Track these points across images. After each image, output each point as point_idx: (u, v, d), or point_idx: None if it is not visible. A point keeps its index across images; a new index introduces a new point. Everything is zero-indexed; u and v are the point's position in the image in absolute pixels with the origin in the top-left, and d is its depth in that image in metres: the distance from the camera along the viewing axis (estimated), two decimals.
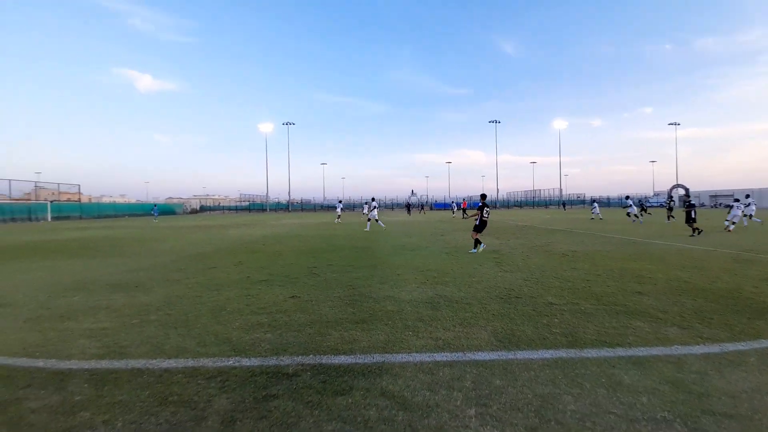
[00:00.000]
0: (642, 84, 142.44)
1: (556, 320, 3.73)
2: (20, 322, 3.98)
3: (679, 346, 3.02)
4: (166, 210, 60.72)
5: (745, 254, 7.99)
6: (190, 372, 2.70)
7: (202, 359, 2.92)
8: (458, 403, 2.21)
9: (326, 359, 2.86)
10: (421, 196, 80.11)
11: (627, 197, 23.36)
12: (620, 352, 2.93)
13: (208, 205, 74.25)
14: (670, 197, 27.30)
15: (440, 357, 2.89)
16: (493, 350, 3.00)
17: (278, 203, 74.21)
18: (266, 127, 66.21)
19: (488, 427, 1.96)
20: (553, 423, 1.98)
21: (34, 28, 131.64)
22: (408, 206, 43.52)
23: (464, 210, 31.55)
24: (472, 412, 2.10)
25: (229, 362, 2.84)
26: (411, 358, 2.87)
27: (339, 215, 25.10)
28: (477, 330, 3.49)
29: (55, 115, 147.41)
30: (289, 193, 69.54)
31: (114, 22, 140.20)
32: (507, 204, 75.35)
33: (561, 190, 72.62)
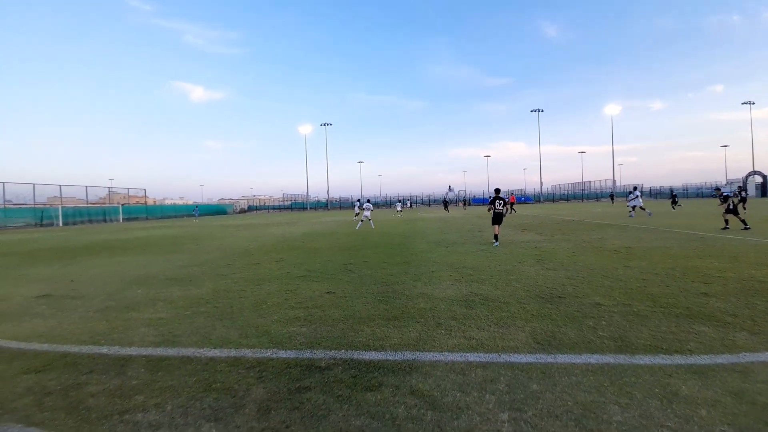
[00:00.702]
0: (708, 60, 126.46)
1: (603, 323, 3.45)
2: (91, 312, 4.52)
3: (747, 354, 2.64)
4: (219, 210, 65.56)
5: None
6: (232, 361, 2.88)
7: (243, 350, 3.10)
8: (490, 406, 2.12)
9: (357, 354, 2.91)
10: (458, 191, 78.37)
11: (634, 188, 20.71)
12: (678, 359, 2.63)
13: (254, 204, 78.85)
14: (740, 187, 24.08)
15: (473, 357, 2.80)
16: (530, 353, 2.85)
17: (318, 202, 76.82)
18: (305, 129, 68.81)
19: None
20: None
21: (103, 52, 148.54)
22: (445, 202, 42.44)
23: (512, 205, 31.08)
24: (505, 416, 2.01)
25: (267, 353, 2.99)
26: (442, 357, 2.82)
27: (361, 215, 22.63)
28: (514, 330, 3.33)
29: (122, 128, 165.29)
30: (327, 191, 71.79)
31: (170, 38, 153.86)
32: (552, 197, 71.11)
33: (614, 180, 66.90)
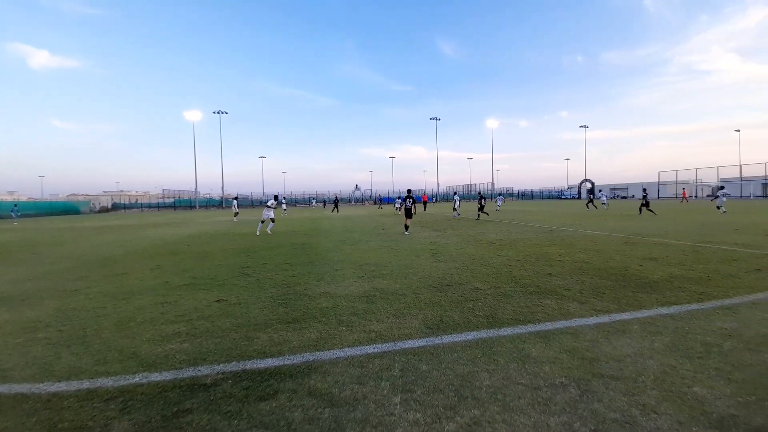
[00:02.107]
0: (559, 90, 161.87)
1: (480, 304, 4.02)
2: None
3: (577, 319, 3.47)
4: (67, 209, 51.74)
5: (633, 238, 9.52)
6: (85, 394, 2.33)
7: (100, 379, 2.54)
8: (385, 392, 2.24)
9: (251, 364, 2.69)
10: (365, 190, 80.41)
11: (455, 192, 26.40)
12: (530, 328, 3.26)
13: (121, 202, 65.20)
14: (588, 191, 34.55)
15: (371, 349, 2.91)
16: (422, 337, 3.12)
17: (210, 199, 68.15)
18: (194, 116, 59.70)
19: (411, 411, 2.02)
20: (469, 399, 2.12)
21: None
22: (335, 201, 34.90)
23: (425, 203, 34.67)
24: (398, 399, 2.15)
25: (135, 379, 2.51)
26: (342, 354, 2.84)
27: (236, 212, 22.24)
28: (409, 319, 3.60)
29: None
30: (222, 188, 64.11)
31: None
32: (447, 197, 79.40)
33: (493, 184, 78.68)
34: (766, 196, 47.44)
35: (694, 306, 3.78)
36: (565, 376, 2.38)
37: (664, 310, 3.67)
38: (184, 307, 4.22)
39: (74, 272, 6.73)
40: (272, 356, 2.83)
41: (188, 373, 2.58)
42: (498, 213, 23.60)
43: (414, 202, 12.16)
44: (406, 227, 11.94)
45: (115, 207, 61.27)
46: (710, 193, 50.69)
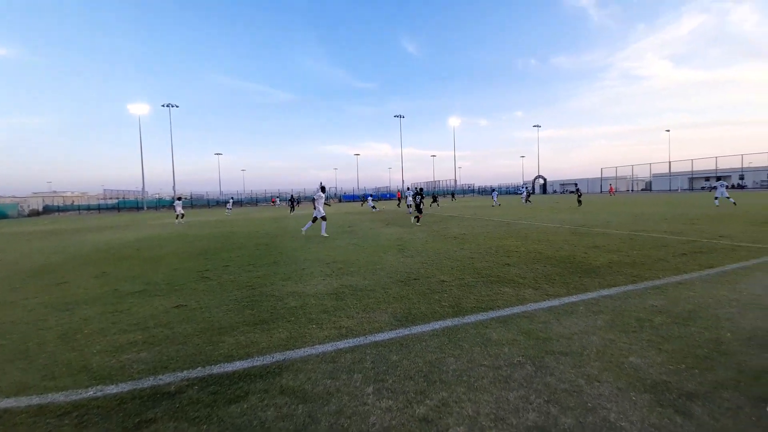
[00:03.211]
0: (514, 91, 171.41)
1: (445, 295, 4.21)
2: None
3: (532, 304, 3.77)
4: None
5: (580, 228, 10.39)
6: (36, 410, 2.14)
7: (50, 394, 2.33)
8: (358, 384, 2.30)
9: (218, 369, 2.62)
10: (329, 188, 79.37)
11: (407, 188, 26.69)
12: (491, 314, 3.49)
13: (55, 204, 58.62)
14: (526, 187, 37.38)
15: (342, 344, 2.95)
16: (392, 329, 3.22)
17: (159, 200, 63.41)
18: (139, 109, 54.89)
19: (384, 399, 2.11)
20: (438, 383, 2.25)
21: None
22: (292, 201, 32.59)
23: (399, 199, 35.40)
24: (370, 389, 2.22)
25: (89, 393, 2.34)
26: (313, 351, 2.86)
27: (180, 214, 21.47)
28: (378, 314, 3.68)
29: None
30: (173, 187, 59.63)
31: None
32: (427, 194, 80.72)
33: (456, 180, 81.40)
34: (692, 189, 53.84)
35: (630, 287, 4.26)
36: (522, 356, 2.60)
37: (605, 292, 4.09)
38: (139, 316, 3.95)
39: (6, 283, 6.00)
40: (240, 359, 2.77)
41: (148, 382, 2.45)
42: (463, 209, 24.38)
43: (422, 198, 14.04)
44: (417, 219, 13.85)
45: (48, 210, 55.03)
46: (702, 186, 54.38)
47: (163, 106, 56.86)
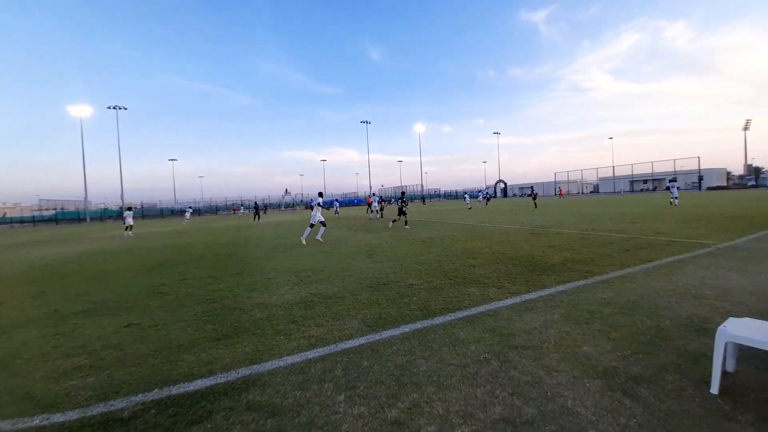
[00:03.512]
0: (476, 99, 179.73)
1: (414, 298, 4.28)
2: None
3: (496, 302, 3.94)
4: None
5: (537, 229, 11.03)
6: None
7: None
8: (329, 393, 2.27)
9: (176, 389, 2.46)
10: (295, 194, 77.63)
11: (373, 194, 28.44)
12: (459, 314, 3.60)
13: None
14: (487, 191, 40.00)
15: (312, 354, 2.89)
16: (362, 336, 3.21)
17: (105, 210, 58.28)
18: (81, 111, 50.14)
19: (355, 406, 2.10)
20: (409, 385, 2.28)
21: None
22: (256, 207, 30.13)
23: (369, 205, 34.90)
24: (342, 397, 2.20)
25: (34, 422, 2.11)
26: (282, 363, 2.77)
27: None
28: (348, 320, 3.65)
29: None
30: (122, 196, 54.82)
31: None
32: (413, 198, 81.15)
33: (422, 185, 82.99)
34: (632, 191, 59.18)
35: (582, 282, 4.60)
36: (488, 352, 2.71)
37: (560, 288, 4.38)
38: (84, 337, 3.60)
39: None
40: (202, 377, 2.62)
41: (98, 409, 2.24)
42: (430, 213, 24.90)
43: (405, 203, 14.62)
44: (406, 222, 14.43)
45: None
46: (650, 187, 59.49)
47: (109, 108, 52.50)
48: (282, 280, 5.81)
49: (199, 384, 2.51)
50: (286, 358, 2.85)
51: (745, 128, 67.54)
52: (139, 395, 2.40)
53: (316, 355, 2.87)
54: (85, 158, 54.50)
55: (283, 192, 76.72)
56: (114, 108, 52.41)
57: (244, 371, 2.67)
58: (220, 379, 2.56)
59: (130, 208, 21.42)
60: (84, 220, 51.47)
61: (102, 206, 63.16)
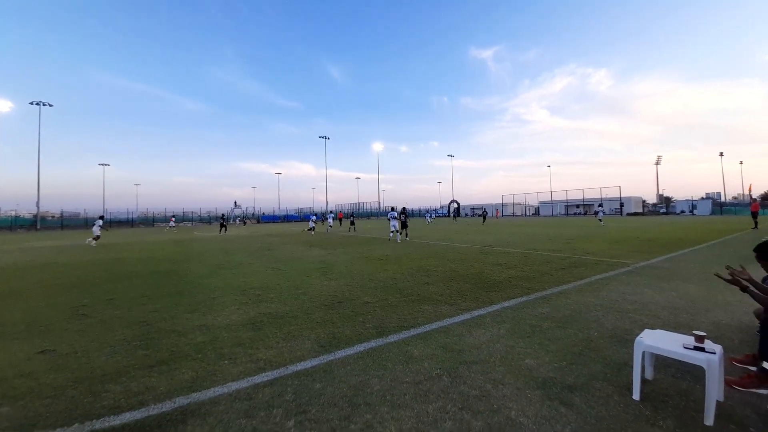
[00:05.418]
0: (431, 123, 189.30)
1: (369, 316, 4.26)
2: None
3: (448, 319, 4.08)
4: None
5: (486, 248, 11.67)
6: None
7: None
8: (278, 419, 2.16)
9: (100, 423, 2.16)
10: (246, 208, 73.86)
11: (392, 208, 30.89)
12: (413, 332, 3.66)
13: None
14: (435, 211, 43.64)
15: (260, 378, 2.73)
16: (315, 356, 3.11)
17: (16, 218, 50.35)
18: None
19: (306, 431, 2.01)
20: (362, 406, 2.25)
21: None
22: (223, 219, 31.28)
23: (340, 220, 36.52)
24: (291, 423, 2.10)
25: None
26: (225, 389, 2.58)
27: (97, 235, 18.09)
28: (301, 341, 3.52)
29: None
30: (37, 202, 47.70)
31: None
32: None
33: (379, 203, 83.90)
34: (567, 214, 65.53)
35: (524, 298, 4.94)
36: (440, 368, 2.78)
37: (506, 303, 4.67)
38: None
39: None
40: (131, 409, 2.34)
41: None
42: (387, 231, 25.17)
43: (406, 217, 16.84)
44: (406, 235, 16.48)
45: None
46: (576, 211, 66.34)
47: (32, 104, 46.48)
48: (228, 299, 5.45)
49: (128, 417, 2.24)
50: (230, 384, 2.66)
51: (657, 163, 78.92)
52: (58, 429, 2.07)
53: (265, 379, 2.71)
54: None
55: (232, 205, 72.47)
56: (37, 104, 46.55)
57: (181, 400, 2.43)
58: (153, 410, 2.31)
59: (102, 217, 19.94)
60: None
61: (13, 213, 54.32)
